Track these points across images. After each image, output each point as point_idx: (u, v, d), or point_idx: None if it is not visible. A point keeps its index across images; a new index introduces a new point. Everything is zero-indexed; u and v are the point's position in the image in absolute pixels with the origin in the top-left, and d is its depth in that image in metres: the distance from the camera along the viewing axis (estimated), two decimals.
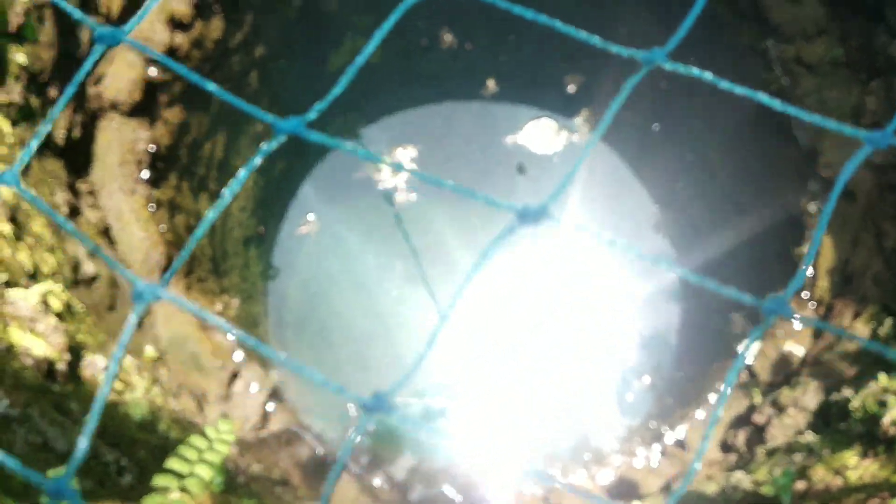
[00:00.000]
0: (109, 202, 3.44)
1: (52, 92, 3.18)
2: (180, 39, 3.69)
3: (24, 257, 2.69)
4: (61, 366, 2.44)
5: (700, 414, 3.68)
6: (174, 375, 3.31)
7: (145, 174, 3.57)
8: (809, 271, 3.65)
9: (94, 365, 2.55)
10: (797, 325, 3.58)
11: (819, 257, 3.56)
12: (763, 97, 0.60)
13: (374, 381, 3.98)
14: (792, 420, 3.18)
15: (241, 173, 0.67)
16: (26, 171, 2.97)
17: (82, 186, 3.35)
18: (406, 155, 4.37)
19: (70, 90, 0.68)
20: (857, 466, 2.49)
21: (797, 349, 3.52)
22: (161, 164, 3.67)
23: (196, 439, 1.90)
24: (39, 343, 2.37)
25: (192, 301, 3.63)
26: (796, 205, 3.66)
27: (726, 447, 3.43)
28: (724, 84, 0.62)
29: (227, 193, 0.67)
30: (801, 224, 3.66)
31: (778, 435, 3.18)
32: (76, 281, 3.05)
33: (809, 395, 3.21)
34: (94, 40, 0.67)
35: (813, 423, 3.10)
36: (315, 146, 4.28)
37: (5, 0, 2.92)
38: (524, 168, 4.37)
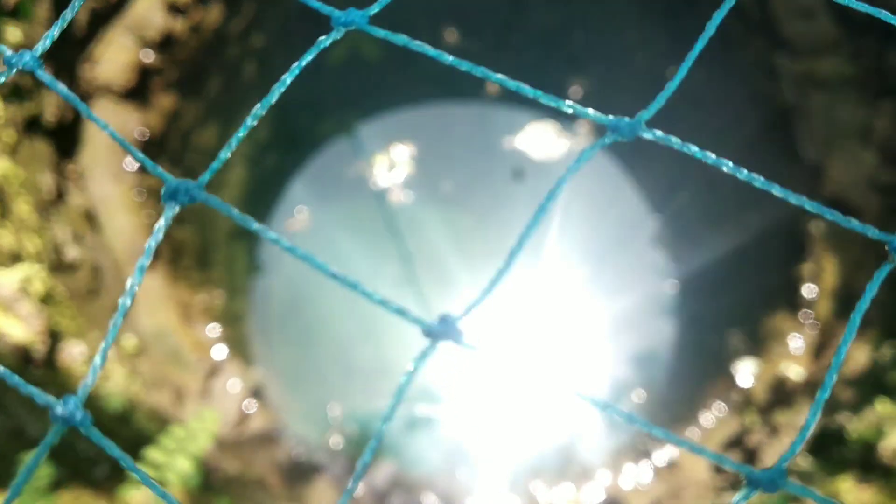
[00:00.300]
0: (97, 187, 3.43)
1: (46, 70, 3.17)
2: (177, 25, 3.69)
3: (7, 238, 2.68)
4: (39, 350, 2.43)
5: (691, 432, 3.68)
6: (154, 368, 3.30)
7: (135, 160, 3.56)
8: (813, 291, 3.66)
9: (73, 351, 2.54)
10: (793, 348, 3.58)
11: (822, 278, 3.56)
12: (776, 189, 0.57)
13: (358, 387, 3.96)
14: (786, 443, 3.19)
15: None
16: (15, 150, 2.96)
17: (70, 169, 3.34)
18: (402, 153, 4.36)
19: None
20: (852, 493, 2.49)
21: (794, 371, 3.52)
22: (152, 151, 3.66)
23: (176, 429, 1.89)
24: (17, 326, 2.36)
25: (176, 291, 3.62)
26: (798, 222, 3.67)
27: (718, 469, 3.43)
28: (710, 159, 0.58)
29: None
30: (803, 241, 3.67)
31: (771, 458, 3.18)
32: (59, 265, 3.04)
33: (799, 423, 3.22)
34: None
35: (807, 447, 3.10)
36: (307, 141, 4.27)
37: None
38: (521, 173, 4.36)
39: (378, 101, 4.48)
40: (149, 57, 3.58)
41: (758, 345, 3.75)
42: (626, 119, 0.57)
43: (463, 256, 4.18)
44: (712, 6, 0.63)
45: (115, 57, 3.50)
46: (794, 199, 0.56)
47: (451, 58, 0.60)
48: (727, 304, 4.01)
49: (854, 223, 0.57)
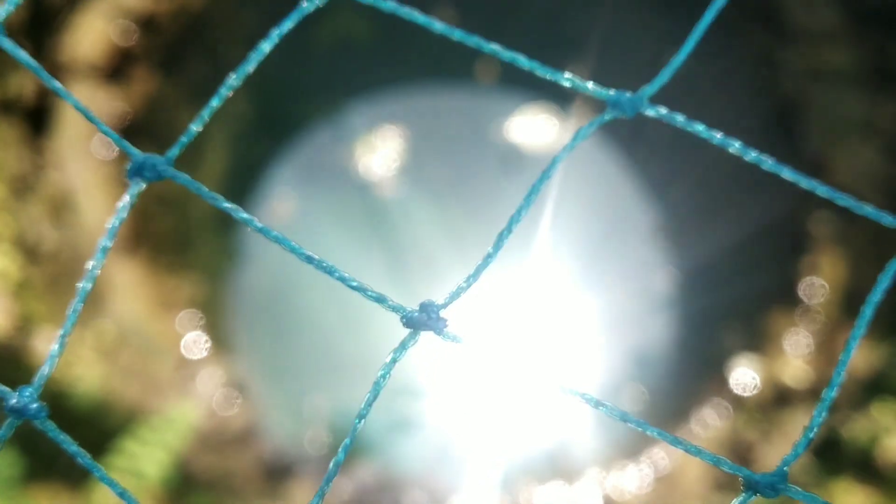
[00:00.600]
0: (74, 169, 3.39)
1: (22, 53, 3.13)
2: (156, 6, 3.65)
3: None
4: (11, 337, 2.40)
5: (687, 432, 3.67)
6: (132, 359, 3.27)
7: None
8: (812, 288, 3.65)
9: (47, 339, 2.51)
10: (792, 346, 3.57)
11: (822, 275, 3.55)
12: (787, 171, 0.54)
13: (338, 385, 3.93)
14: (784, 444, 3.18)
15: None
16: None
17: (47, 151, 3.31)
18: (391, 140, 4.32)
19: None
20: (849, 496, 2.48)
21: (793, 369, 3.51)
22: (131, 135, 3.62)
23: (154, 420, 1.87)
24: None
25: (157, 281, 3.59)
26: (799, 216, 3.65)
27: (715, 470, 3.42)
28: (717, 139, 0.55)
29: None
30: (802, 238, 3.66)
31: (768, 458, 3.17)
32: (35, 250, 3.01)
33: (800, 424, 3.21)
34: None
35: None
36: (292, 128, 4.23)
37: None
38: (514, 161, 4.33)
39: (365, 80, 4.44)
40: (130, 39, 3.54)
41: (756, 342, 3.74)
42: (628, 94, 0.54)
43: (453, 249, 4.15)
44: None
45: (94, 39, 3.47)
46: (806, 182, 0.54)
47: (441, 25, 0.57)
48: (724, 301, 4.00)
49: (868, 209, 0.55)
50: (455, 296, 0.51)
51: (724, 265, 4.03)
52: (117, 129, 3.51)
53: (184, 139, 0.58)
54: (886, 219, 0.56)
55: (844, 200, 0.55)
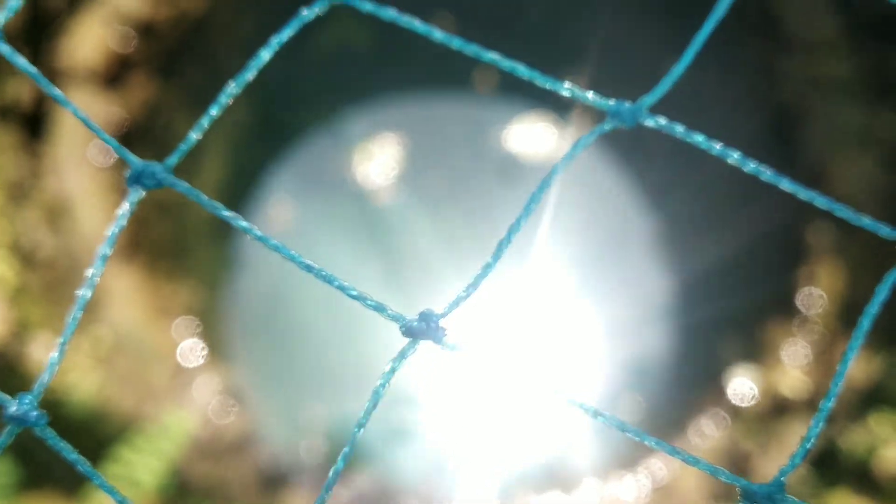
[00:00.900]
0: (71, 177, 3.39)
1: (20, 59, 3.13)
2: (155, 12, 3.65)
3: None
4: (6, 344, 2.39)
5: (685, 442, 3.66)
6: (130, 366, 3.27)
7: (111, 151, 3.52)
8: (810, 298, 3.65)
9: (43, 345, 2.51)
10: (790, 356, 3.57)
11: (820, 285, 3.55)
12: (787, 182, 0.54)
13: (335, 394, 3.93)
14: (778, 460, 3.18)
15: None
16: None
17: (44, 158, 3.31)
18: (388, 143, 4.32)
19: None
20: None
21: (791, 380, 3.51)
22: (130, 142, 3.62)
23: (150, 428, 1.87)
24: None
25: (155, 288, 3.59)
26: (798, 226, 3.65)
27: (712, 480, 3.42)
28: (716, 149, 0.56)
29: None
30: (801, 246, 3.66)
31: (766, 469, 3.17)
32: (32, 256, 3.01)
33: (798, 435, 3.21)
34: None
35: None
36: (291, 135, 4.23)
37: None
38: (513, 171, 4.33)
39: (364, 88, 4.44)
40: (129, 45, 3.55)
41: (753, 352, 3.74)
42: (628, 104, 0.54)
43: (451, 260, 4.15)
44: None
45: (93, 45, 3.47)
46: (804, 193, 0.54)
47: (440, 34, 0.58)
48: (722, 311, 4.00)
49: (866, 220, 0.55)
50: (454, 305, 0.51)
51: (722, 275, 4.03)
52: (115, 135, 3.51)
53: (183, 147, 0.59)
54: (884, 230, 0.56)
55: (842, 212, 0.55)
